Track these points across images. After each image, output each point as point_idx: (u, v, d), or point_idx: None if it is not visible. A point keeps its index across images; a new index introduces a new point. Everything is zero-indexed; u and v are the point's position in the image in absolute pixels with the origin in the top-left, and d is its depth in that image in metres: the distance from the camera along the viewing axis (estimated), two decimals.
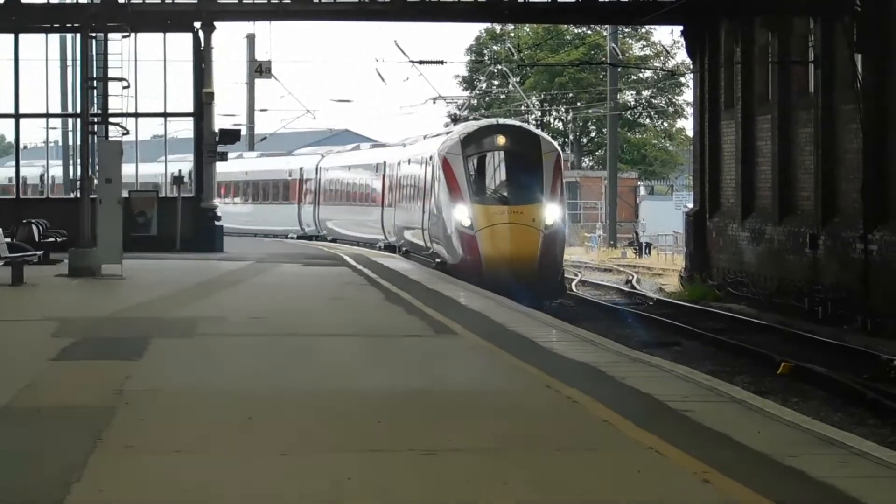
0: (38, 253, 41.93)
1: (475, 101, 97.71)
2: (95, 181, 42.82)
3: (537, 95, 68.34)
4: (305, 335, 26.39)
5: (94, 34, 47.57)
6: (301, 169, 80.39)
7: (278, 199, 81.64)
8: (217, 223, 55.70)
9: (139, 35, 52.84)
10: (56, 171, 65.68)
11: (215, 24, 54.38)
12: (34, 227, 48.40)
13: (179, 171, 59.23)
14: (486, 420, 16.13)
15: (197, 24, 53.36)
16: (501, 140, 47.24)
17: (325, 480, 12.76)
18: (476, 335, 25.79)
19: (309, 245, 66.43)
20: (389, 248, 62.78)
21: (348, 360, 22.74)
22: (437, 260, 48.06)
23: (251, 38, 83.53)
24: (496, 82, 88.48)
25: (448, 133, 52.68)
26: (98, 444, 14.07)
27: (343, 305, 32.87)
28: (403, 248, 59.27)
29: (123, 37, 50.68)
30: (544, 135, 56.67)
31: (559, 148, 52.51)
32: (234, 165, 76.36)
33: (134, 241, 46.83)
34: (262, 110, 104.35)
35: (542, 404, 17.83)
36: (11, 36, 54.92)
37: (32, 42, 57.02)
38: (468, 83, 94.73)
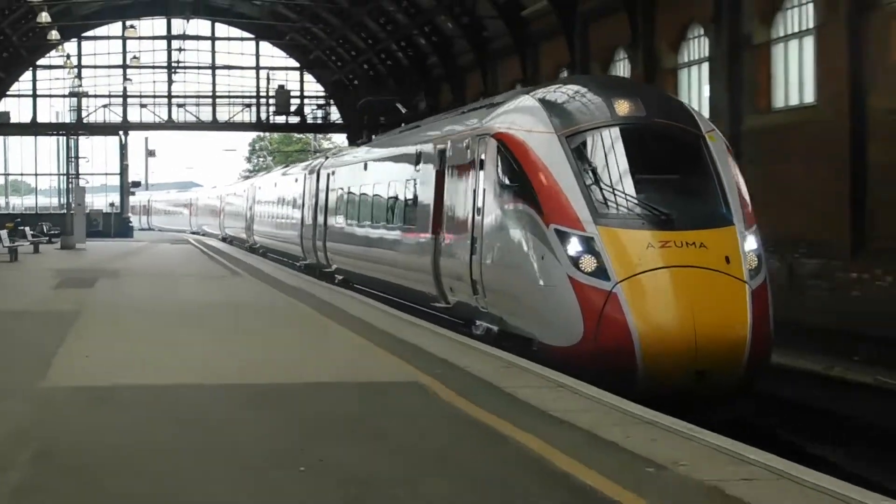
0: (45, 237, 55.63)
1: (252, 166, 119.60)
2: (73, 205, 57.38)
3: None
4: (173, 276, 31.51)
5: (72, 135, 72.17)
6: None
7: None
8: (130, 224, 78.06)
9: (93, 137, 76.02)
10: (55, 200, 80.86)
11: (129, 132, 76.32)
12: (44, 226, 65.47)
13: (112, 202, 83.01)
14: (284, 315, 20.58)
15: (120, 132, 75.09)
16: (626, 105, 16.59)
17: (194, 348, 15.71)
18: (254, 277, 30.82)
19: (172, 235, 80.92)
20: (193, 232, 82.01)
21: (198, 288, 27.11)
22: (495, 328, 17.27)
23: (146, 139, 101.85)
24: (261, 159, 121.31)
25: (497, 104, 19.42)
26: (70, 329, 17.54)
27: (191, 263, 39.71)
28: (222, 236, 67.71)
29: (86, 137, 74.41)
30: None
31: None
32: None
33: (91, 233, 62.09)
34: (152, 172, 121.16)
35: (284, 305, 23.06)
36: (33, 137, 76.54)
37: (43, 139, 76.80)
38: (249, 160, 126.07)
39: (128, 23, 73.62)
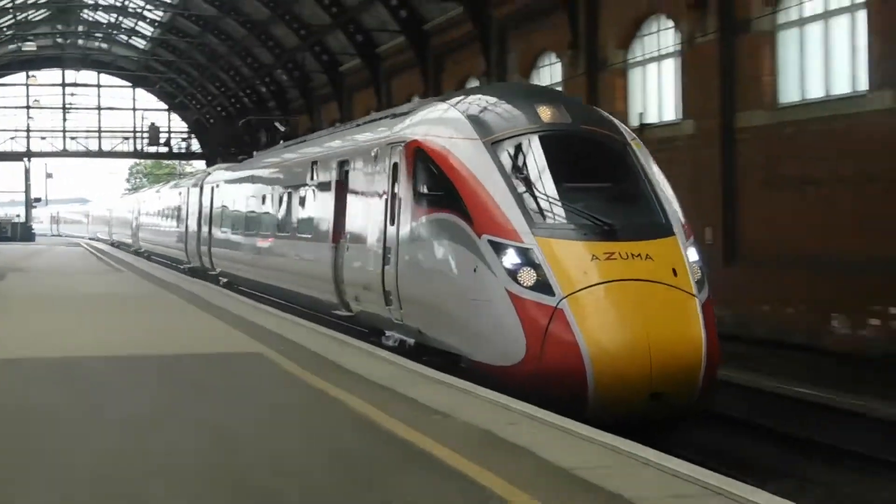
0: None
1: (131, 185, 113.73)
2: None
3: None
4: (72, 274, 29.91)
5: None
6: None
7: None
8: (32, 231, 76.04)
9: (3, 163, 74.50)
10: None
11: (32, 159, 74.83)
12: None
13: (18, 214, 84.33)
14: (156, 302, 19.69)
15: (25, 159, 73.38)
16: (550, 111, 12.49)
17: (83, 328, 15.21)
18: (134, 274, 29.45)
19: (70, 240, 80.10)
20: (91, 238, 78.22)
21: (89, 281, 26.28)
22: (410, 341, 13.09)
23: (46, 164, 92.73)
24: (138, 179, 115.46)
25: (404, 114, 14.85)
26: None
27: (83, 261, 38.68)
28: (111, 241, 63.80)
29: None
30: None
31: None
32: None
33: (1, 238, 67.50)
34: (50, 190, 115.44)
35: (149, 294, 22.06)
36: None
37: None
38: (128, 181, 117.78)
39: (30, 73, 74.70)
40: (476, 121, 12.45)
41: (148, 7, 60.36)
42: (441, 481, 6.73)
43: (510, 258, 10.93)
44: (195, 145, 76.34)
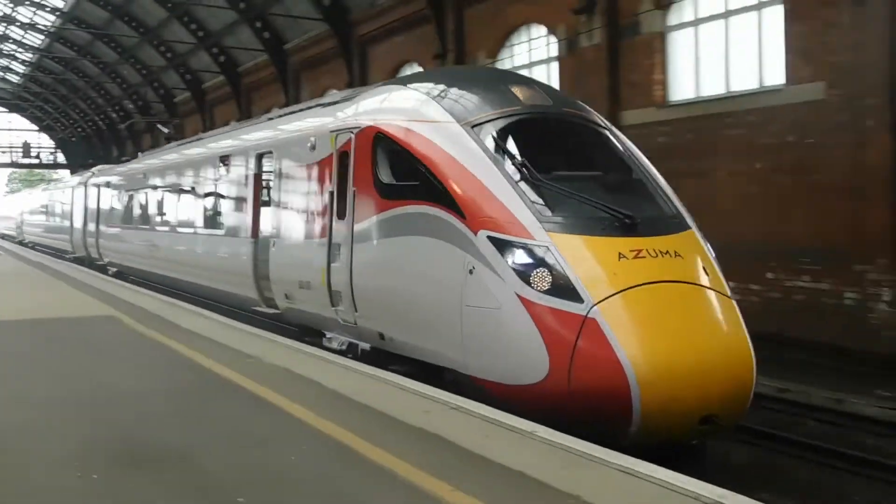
0: None
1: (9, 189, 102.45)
2: None
3: None
4: None
5: None
6: None
7: None
8: None
9: None
10: None
11: None
12: None
13: None
14: (30, 279, 18.05)
15: None
16: (529, 92, 7.97)
17: (18, 296, 14.61)
18: (13, 258, 27.03)
19: None
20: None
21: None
22: (365, 345, 8.68)
23: None
24: (15, 185, 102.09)
25: (343, 101, 10.06)
26: None
27: None
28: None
29: None
30: None
31: None
32: None
33: None
34: None
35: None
36: None
37: None
38: (7, 185, 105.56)
39: None
40: (448, 103, 8.28)
41: (18, 50, 57.32)
42: (250, 404, 6.68)
43: (519, 258, 6.93)
44: (60, 158, 72.20)
